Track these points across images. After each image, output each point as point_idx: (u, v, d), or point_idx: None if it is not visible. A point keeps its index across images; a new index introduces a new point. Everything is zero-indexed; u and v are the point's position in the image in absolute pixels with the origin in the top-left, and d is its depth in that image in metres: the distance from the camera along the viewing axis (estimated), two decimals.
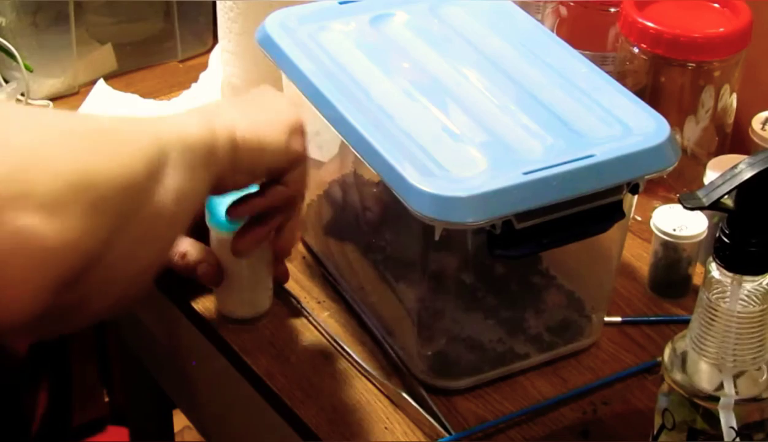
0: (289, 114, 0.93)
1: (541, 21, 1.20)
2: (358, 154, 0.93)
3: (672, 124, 0.96)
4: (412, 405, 0.97)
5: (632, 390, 1.00)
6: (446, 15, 1.10)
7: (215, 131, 0.84)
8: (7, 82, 1.47)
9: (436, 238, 0.89)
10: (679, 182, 1.16)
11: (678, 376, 0.81)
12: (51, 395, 1.17)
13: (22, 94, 1.47)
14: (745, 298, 0.77)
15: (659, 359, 0.86)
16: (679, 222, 1.07)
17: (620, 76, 1.12)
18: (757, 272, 0.77)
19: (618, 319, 1.07)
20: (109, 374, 2.00)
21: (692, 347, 0.80)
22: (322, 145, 1.08)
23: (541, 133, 0.94)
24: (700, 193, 0.76)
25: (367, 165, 0.92)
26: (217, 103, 0.94)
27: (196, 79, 1.40)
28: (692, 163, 1.15)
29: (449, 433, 0.95)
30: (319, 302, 1.08)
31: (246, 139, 0.87)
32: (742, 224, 0.76)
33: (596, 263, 1.03)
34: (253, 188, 0.95)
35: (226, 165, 0.85)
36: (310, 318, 1.06)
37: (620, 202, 0.93)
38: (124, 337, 1.40)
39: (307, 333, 1.05)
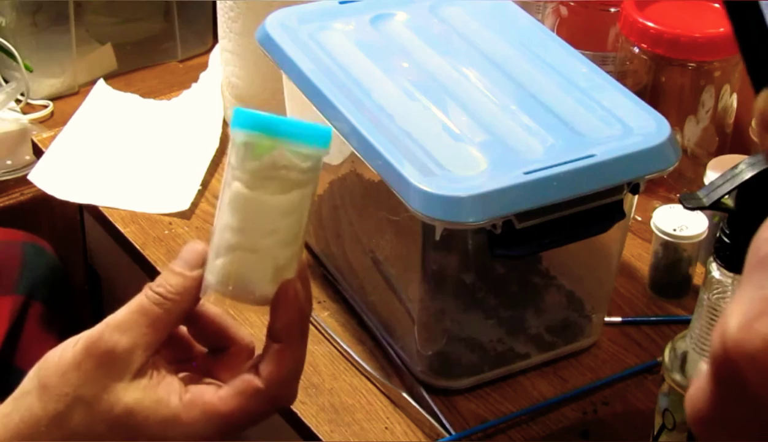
0: None
1: (541, 21, 1.20)
2: (358, 154, 0.93)
3: (672, 124, 0.96)
4: (413, 405, 0.97)
5: (632, 390, 1.00)
6: (446, 15, 1.10)
7: None
8: (7, 82, 1.47)
9: (437, 238, 0.89)
10: (679, 182, 1.16)
11: (678, 376, 0.81)
12: None
13: (22, 94, 1.47)
14: None
15: (659, 359, 0.86)
16: (680, 222, 1.07)
17: (620, 76, 1.12)
18: None
19: (618, 319, 1.07)
20: None
21: (692, 347, 0.80)
22: None
23: (542, 133, 0.94)
24: (700, 194, 0.76)
25: (368, 165, 0.92)
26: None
27: (196, 79, 1.40)
28: (692, 163, 1.15)
29: (449, 433, 0.95)
30: (319, 302, 1.08)
31: None
32: (742, 223, 0.76)
33: (596, 263, 1.03)
34: None
35: None
36: (310, 318, 1.06)
37: (620, 203, 0.93)
38: None
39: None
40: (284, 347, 0.67)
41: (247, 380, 0.67)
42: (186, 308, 0.68)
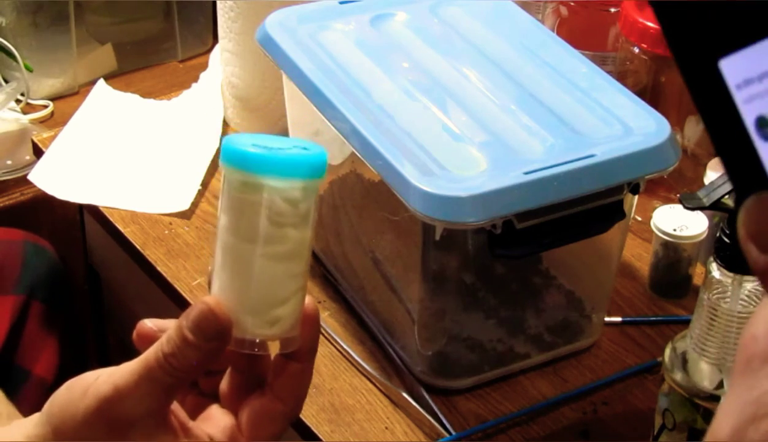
0: None
1: (542, 21, 1.20)
2: (358, 154, 0.93)
3: (672, 124, 0.96)
4: (413, 405, 0.97)
5: (632, 390, 1.00)
6: (446, 15, 1.10)
7: None
8: (7, 82, 1.47)
9: (437, 238, 0.89)
10: (679, 182, 1.16)
11: (678, 376, 0.81)
12: None
13: (22, 94, 1.47)
14: (746, 298, 0.77)
15: (659, 359, 0.86)
16: (680, 222, 1.07)
17: (620, 76, 1.12)
18: None
19: (618, 319, 1.07)
20: None
21: (693, 347, 0.80)
22: (322, 146, 1.08)
23: (542, 133, 0.94)
24: (700, 194, 0.76)
25: (368, 165, 0.92)
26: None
27: (196, 79, 1.40)
28: (693, 163, 1.15)
29: (449, 433, 0.95)
30: (319, 302, 1.08)
31: None
32: None
33: (596, 263, 1.03)
34: None
35: None
36: None
37: (621, 203, 0.93)
38: (125, 336, 1.40)
39: None
40: (306, 366, 0.66)
41: (270, 406, 0.66)
42: (202, 373, 0.65)
